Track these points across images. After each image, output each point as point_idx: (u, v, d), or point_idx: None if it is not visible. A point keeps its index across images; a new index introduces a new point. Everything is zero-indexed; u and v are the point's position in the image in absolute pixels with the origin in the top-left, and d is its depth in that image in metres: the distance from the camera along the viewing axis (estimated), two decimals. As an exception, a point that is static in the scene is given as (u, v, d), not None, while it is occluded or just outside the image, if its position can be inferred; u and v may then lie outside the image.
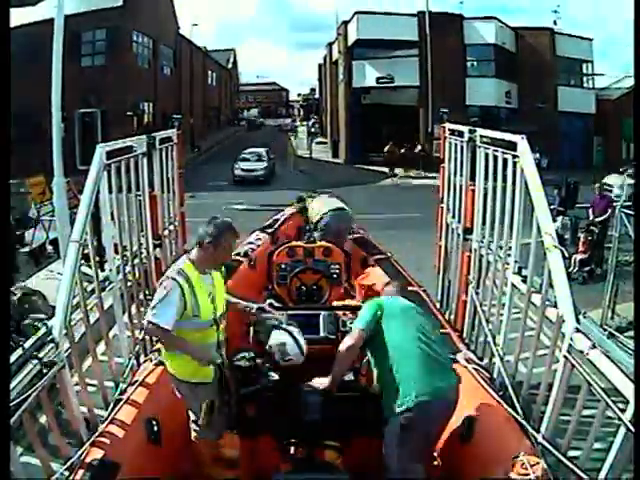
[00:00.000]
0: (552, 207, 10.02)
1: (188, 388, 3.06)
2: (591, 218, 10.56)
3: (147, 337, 4.32)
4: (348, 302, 5.02)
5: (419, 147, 25.17)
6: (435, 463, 3.19)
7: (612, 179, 14.55)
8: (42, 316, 5.32)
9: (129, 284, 4.13)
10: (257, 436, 3.31)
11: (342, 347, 3.04)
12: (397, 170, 24.19)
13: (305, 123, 42.84)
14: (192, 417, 3.10)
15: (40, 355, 2.78)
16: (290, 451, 3.00)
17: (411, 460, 2.88)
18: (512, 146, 3.83)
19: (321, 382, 3.10)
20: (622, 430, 2.33)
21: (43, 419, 3.07)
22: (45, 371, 2.75)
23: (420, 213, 12.93)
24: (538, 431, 2.99)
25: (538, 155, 13.74)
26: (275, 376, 3.68)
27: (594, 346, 2.68)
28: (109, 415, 3.14)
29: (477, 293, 4.48)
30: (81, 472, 2.70)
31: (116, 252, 4.09)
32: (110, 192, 3.92)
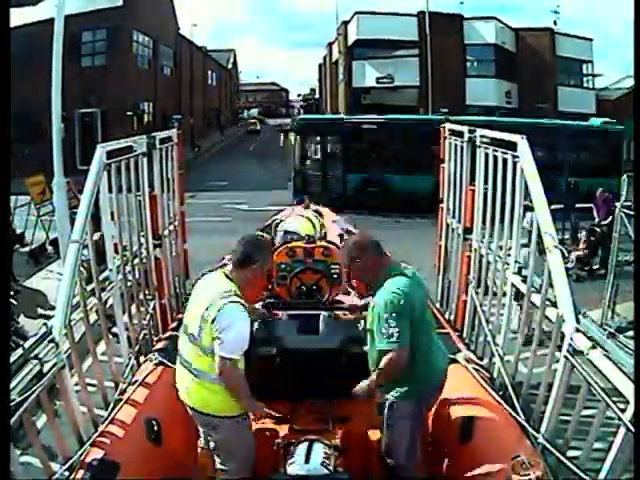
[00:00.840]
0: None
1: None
2: (597, 220, 10.60)
3: (147, 337, 4.32)
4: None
5: None
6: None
7: None
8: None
9: (129, 284, 4.13)
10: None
11: (392, 367, 2.77)
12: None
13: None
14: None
15: (40, 355, 2.77)
16: (290, 451, 3.00)
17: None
18: (512, 146, 3.83)
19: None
20: (622, 430, 2.33)
21: (43, 419, 3.07)
22: (45, 371, 2.74)
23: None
24: (538, 431, 2.99)
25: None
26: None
27: (594, 346, 2.68)
28: (109, 415, 3.14)
29: (477, 293, 4.48)
30: (81, 472, 2.70)
31: (116, 252, 4.08)
32: (110, 192, 3.92)
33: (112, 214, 4.03)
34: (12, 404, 2.40)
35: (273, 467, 3.00)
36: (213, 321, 2.68)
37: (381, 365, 2.79)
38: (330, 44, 33.33)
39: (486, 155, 4.35)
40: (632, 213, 6.90)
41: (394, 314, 2.70)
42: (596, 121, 18.15)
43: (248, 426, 2.95)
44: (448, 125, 5.31)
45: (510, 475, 2.60)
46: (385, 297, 2.75)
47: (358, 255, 2.93)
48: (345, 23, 27.63)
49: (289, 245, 5.57)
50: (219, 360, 2.66)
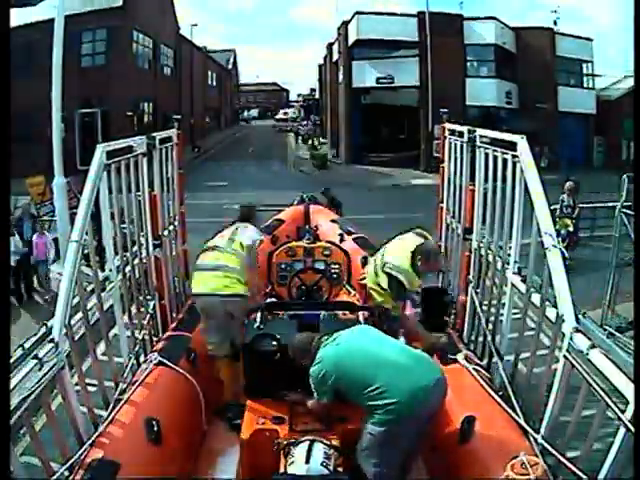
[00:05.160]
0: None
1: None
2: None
3: (147, 337, 4.32)
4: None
5: None
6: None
7: None
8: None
9: (129, 284, 4.13)
10: (262, 397, 3.45)
11: (312, 409, 3.28)
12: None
13: (305, 123, 43.02)
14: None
15: (40, 355, 2.77)
16: (290, 451, 3.00)
17: (390, 464, 2.93)
18: (512, 146, 3.83)
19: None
20: (622, 430, 2.33)
21: (43, 419, 3.07)
22: (45, 371, 2.74)
23: (420, 213, 12.93)
24: (538, 431, 2.99)
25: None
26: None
27: (594, 346, 2.68)
28: (109, 415, 3.14)
29: (477, 293, 4.49)
30: (81, 472, 2.70)
31: (116, 252, 4.08)
32: (110, 192, 3.92)
33: (112, 214, 4.03)
34: (12, 404, 2.40)
35: (273, 467, 3.01)
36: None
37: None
38: (330, 44, 33.28)
39: (486, 155, 4.35)
40: (632, 213, 6.90)
41: (313, 385, 3.14)
42: None
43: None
44: (448, 125, 5.31)
45: (510, 475, 2.60)
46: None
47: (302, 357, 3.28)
48: (345, 23, 27.58)
49: (289, 245, 5.58)
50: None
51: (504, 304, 3.98)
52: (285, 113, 56.83)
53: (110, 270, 3.92)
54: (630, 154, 23.34)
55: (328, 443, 3.01)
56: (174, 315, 4.89)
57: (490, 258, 4.29)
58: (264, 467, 3.11)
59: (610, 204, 9.85)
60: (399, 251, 4.16)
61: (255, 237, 4.20)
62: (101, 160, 3.67)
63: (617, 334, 6.49)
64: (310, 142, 31.26)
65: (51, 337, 2.89)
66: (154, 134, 4.76)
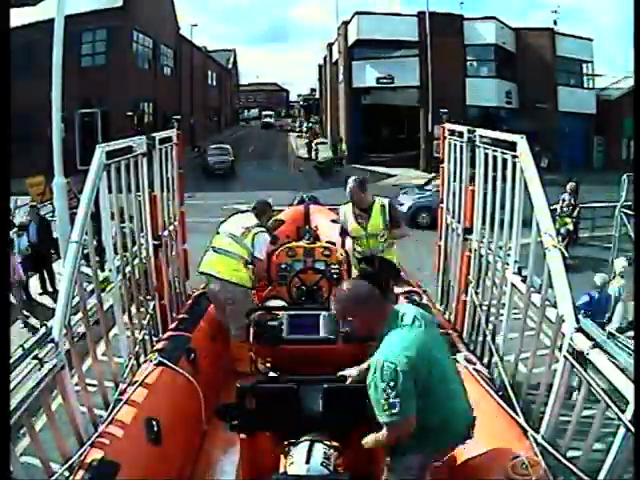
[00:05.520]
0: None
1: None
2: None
3: (147, 337, 4.32)
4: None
5: None
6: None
7: None
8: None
9: (129, 284, 4.13)
10: (257, 433, 3.33)
11: (395, 440, 2.49)
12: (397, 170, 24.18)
13: (305, 124, 43.13)
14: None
15: (40, 355, 2.77)
16: (290, 451, 3.00)
17: None
18: (512, 146, 3.83)
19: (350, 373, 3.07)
20: (622, 430, 2.32)
21: (43, 419, 3.07)
22: (45, 371, 2.74)
23: (420, 213, 12.93)
24: (538, 431, 2.99)
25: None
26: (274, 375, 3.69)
27: (594, 346, 2.68)
28: (109, 415, 3.14)
29: (477, 293, 4.48)
30: (81, 472, 2.70)
31: (116, 252, 4.08)
32: (110, 192, 3.91)
33: (112, 214, 4.03)
34: (12, 404, 2.39)
35: (273, 467, 3.00)
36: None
37: (384, 437, 2.52)
38: (330, 44, 33.30)
39: (486, 155, 4.35)
40: (632, 213, 6.91)
41: (392, 382, 2.33)
42: None
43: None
44: (448, 125, 5.30)
45: (510, 475, 2.60)
46: (382, 362, 2.37)
47: (354, 313, 2.51)
48: (345, 23, 27.60)
49: (289, 245, 5.58)
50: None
51: (504, 304, 3.98)
52: (269, 116, 61.24)
53: (110, 270, 3.92)
54: (630, 154, 23.36)
55: (328, 443, 3.01)
56: (174, 315, 4.88)
57: (490, 258, 4.29)
58: (264, 467, 3.10)
59: (610, 204, 9.89)
60: None
61: (264, 248, 4.60)
62: (101, 160, 3.67)
63: (617, 334, 6.49)
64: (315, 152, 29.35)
65: (51, 337, 2.89)
66: (154, 134, 4.76)
